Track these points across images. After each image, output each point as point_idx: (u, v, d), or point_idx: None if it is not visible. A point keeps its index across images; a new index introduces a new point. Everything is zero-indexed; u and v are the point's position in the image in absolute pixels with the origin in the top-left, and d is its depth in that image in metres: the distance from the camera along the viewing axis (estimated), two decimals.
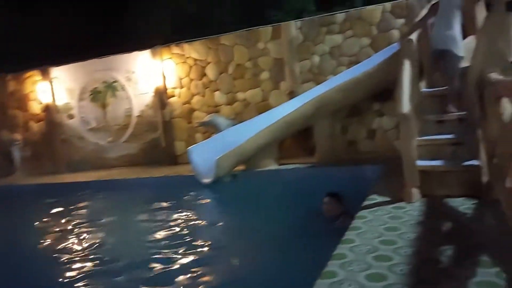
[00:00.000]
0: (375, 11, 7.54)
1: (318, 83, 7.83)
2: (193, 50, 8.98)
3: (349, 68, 7.65)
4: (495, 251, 2.74)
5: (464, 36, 6.37)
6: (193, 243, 4.54)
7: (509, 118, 3.16)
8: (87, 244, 4.98)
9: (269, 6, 9.78)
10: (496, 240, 2.99)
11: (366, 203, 4.17)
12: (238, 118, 8.44)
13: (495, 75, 4.50)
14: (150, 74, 9.40)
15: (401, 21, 7.36)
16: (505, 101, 3.56)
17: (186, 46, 9.05)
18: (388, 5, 7.49)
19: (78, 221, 6.06)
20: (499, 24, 5.04)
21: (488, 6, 6.39)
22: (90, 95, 10.08)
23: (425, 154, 4.47)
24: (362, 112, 7.66)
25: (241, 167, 7.32)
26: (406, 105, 4.08)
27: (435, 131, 4.84)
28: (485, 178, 4.01)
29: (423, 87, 5.55)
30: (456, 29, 5.22)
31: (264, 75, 8.44)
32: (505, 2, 5.98)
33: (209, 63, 8.86)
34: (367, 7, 7.72)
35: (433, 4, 5.44)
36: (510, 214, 2.84)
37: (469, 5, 6.30)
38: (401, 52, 4.73)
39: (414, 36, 5.10)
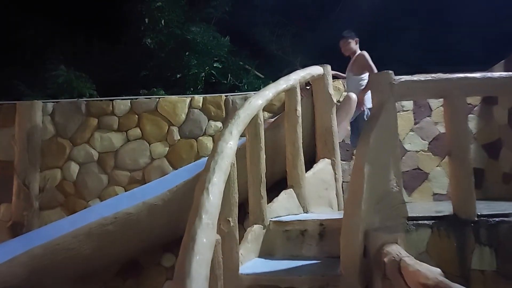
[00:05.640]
0: (179, 104, 4.78)
1: (70, 213, 4.35)
2: None
3: (127, 190, 4.47)
4: None
5: (315, 160, 3.98)
6: None
7: None
8: None
9: (13, 76, 6.14)
10: None
11: None
12: None
13: (399, 251, 1.82)
14: None
15: (218, 124, 4.74)
16: None
17: None
18: (199, 98, 4.85)
19: None
20: (389, 136, 2.62)
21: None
22: None
23: None
24: (143, 269, 4.31)
25: None
26: None
27: None
28: None
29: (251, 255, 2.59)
30: None
31: None
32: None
33: None
34: (169, 97, 4.93)
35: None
36: None
37: (323, 109, 4.02)
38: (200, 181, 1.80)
39: (232, 149, 2.27)
